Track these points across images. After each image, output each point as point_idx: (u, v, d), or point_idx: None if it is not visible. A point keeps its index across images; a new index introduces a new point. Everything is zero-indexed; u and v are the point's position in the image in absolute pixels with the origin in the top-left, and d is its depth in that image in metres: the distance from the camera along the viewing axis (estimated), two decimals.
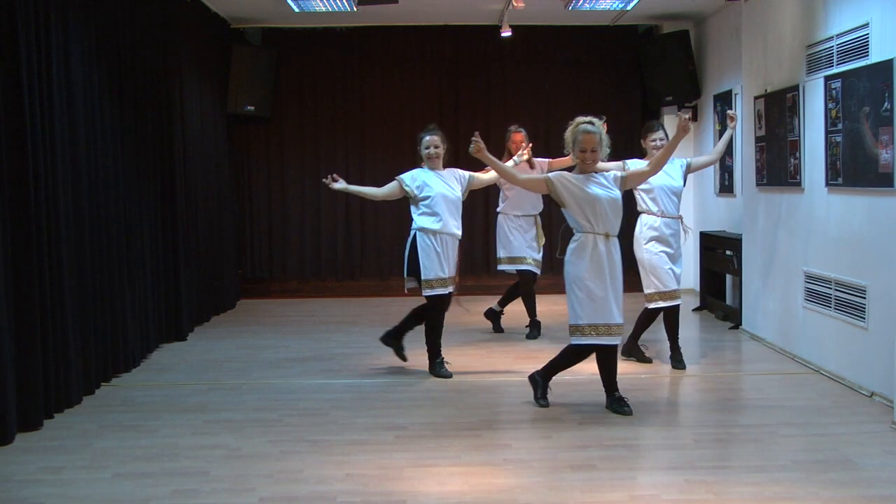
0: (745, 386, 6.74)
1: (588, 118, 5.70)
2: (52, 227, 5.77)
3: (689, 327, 9.08)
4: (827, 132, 6.65)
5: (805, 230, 7.11)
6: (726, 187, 9.99)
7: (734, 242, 8.91)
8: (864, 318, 6.17)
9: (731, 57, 9.61)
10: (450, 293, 6.80)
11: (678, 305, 7.01)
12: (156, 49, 8.01)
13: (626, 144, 10.67)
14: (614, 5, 9.68)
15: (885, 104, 5.76)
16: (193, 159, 9.05)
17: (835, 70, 6.53)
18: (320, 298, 10.99)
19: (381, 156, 11.24)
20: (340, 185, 6.68)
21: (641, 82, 11.36)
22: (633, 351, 7.24)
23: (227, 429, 5.52)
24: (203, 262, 9.29)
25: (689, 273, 11.15)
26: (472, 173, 6.92)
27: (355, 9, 9.30)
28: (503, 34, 9.96)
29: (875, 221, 6.03)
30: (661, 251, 6.90)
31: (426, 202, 6.68)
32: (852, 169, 6.26)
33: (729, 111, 7.36)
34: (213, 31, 10.18)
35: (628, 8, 9.80)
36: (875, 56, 5.97)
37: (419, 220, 6.72)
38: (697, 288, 10.42)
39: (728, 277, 9.57)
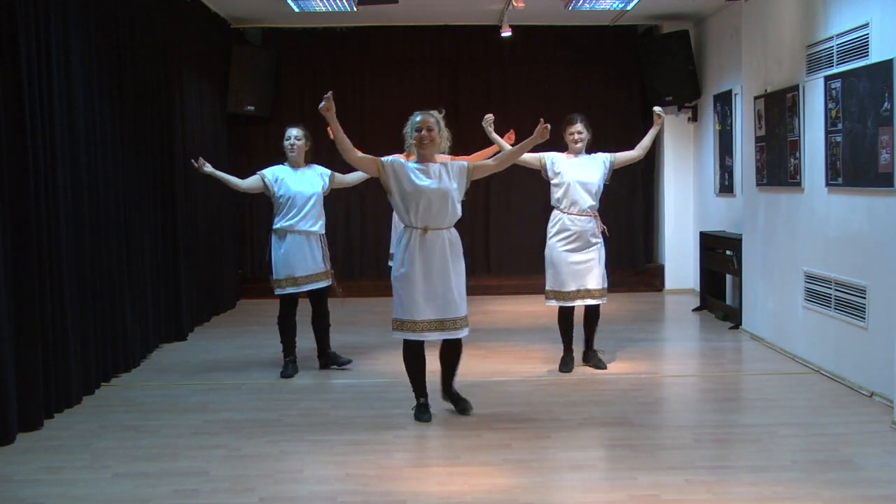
0: (745, 386, 6.73)
1: (426, 111, 5.67)
2: (52, 227, 5.77)
3: (689, 327, 9.09)
4: (827, 132, 6.65)
5: (805, 230, 7.11)
6: (726, 187, 9.99)
7: (734, 242, 8.91)
8: (864, 318, 6.17)
9: (731, 57, 9.61)
10: (321, 288, 7.02)
11: (595, 307, 6.87)
12: (156, 49, 8.01)
13: (626, 144, 10.70)
14: (614, 5, 9.68)
15: (885, 104, 5.76)
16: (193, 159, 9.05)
17: (835, 70, 6.53)
18: None
19: (381, 155, 11.21)
20: (208, 168, 6.79)
21: (641, 82, 11.36)
22: (591, 358, 7.06)
23: (227, 429, 5.52)
24: (203, 262, 9.29)
25: (689, 273, 11.18)
26: (332, 172, 6.95)
27: (355, 9, 9.30)
28: (503, 34, 9.96)
29: (875, 221, 6.03)
30: (566, 249, 6.71)
31: (280, 199, 6.80)
32: (852, 169, 6.26)
33: (656, 108, 7.02)
34: (213, 31, 10.19)
35: (628, 8, 9.80)
36: (875, 56, 5.97)
37: (274, 221, 6.87)
38: (697, 288, 10.42)
39: (728, 277, 9.57)
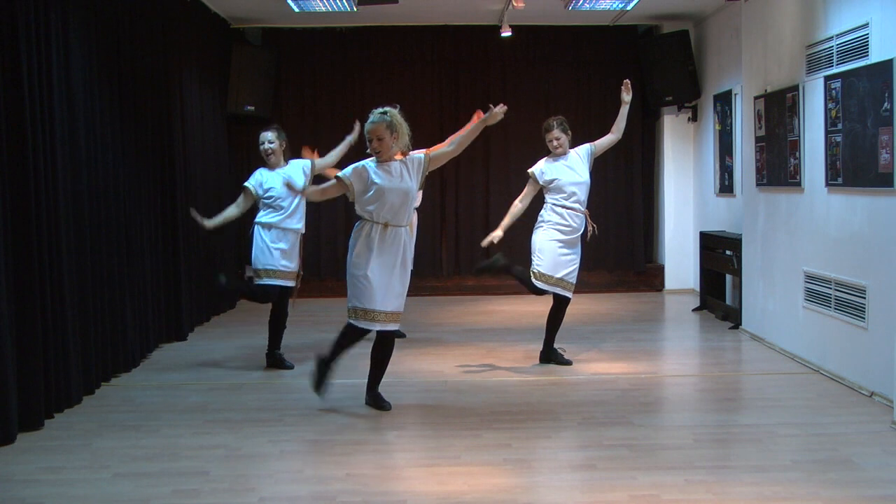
0: (745, 386, 6.74)
1: (382, 108, 5.78)
2: (52, 226, 5.77)
3: (689, 327, 9.09)
4: (827, 132, 6.65)
5: (805, 230, 7.11)
6: (726, 187, 10.00)
7: (734, 242, 8.91)
8: (864, 318, 6.17)
9: (731, 57, 9.61)
10: (289, 287, 7.07)
11: (566, 299, 6.97)
12: (156, 49, 8.01)
13: (626, 144, 10.68)
14: (614, 5, 9.69)
15: (885, 104, 5.76)
16: (193, 159, 9.05)
17: (835, 70, 6.53)
18: (320, 298, 10.98)
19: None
20: (210, 223, 7.06)
21: (641, 82, 11.34)
22: (551, 355, 7.15)
23: (227, 429, 5.52)
24: (203, 262, 9.29)
25: (689, 273, 11.18)
26: (312, 161, 7.02)
27: (355, 9, 9.30)
28: (503, 34, 9.96)
29: (875, 221, 6.03)
30: (556, 240, 6.90)
31: (268, 199, 6.93)
32: (852, 169, 6.27)
33: (626, 80, 7.02)
34: (213, 31, 10.18)
35: (628, 8, 9.80)
36: (875, 56, 5.97)
37: (259, 215, 7.02)
38: (697, 288, 10.42)
39: (728, 277, 9.57)
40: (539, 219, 7.05)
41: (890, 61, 5.72)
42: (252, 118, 10.94)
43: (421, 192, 5.88)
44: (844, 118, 6.35)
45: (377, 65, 11.46)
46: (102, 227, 6.61)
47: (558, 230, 6.92)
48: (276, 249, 6.95)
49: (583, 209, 6.96)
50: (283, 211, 6.92)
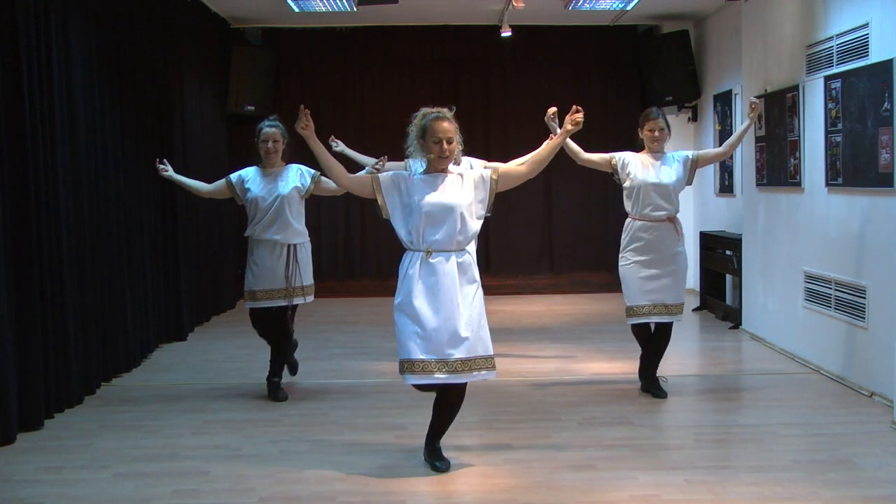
0: (745, 386, 6.73)
1: (436, 109, 4.79)
2: (52, 226, 5.77)
3: (689, 327, 9.08)
4: (827, 132, 6.65)
5: (805, 230, 7.11)
6: (726, 187, 10.00)
7: (734, 242, 8.91)
8: (864, 318, 6.17)
9: (731, 57, 9.61)
10: (280, 306, 6.17)
11: (668, 324, 6.13)
12: (156, 49, 8.01)
13: (627, 145, 10.65)
14: (614, 5, 9.69)
15: (885, 104, 5.76)
16: (193, 159, 9.05)
17: (835, 70, 6.53)
18: (320, 298, 10.92)
19: (382, 156, 11.21)
20: (169, 172, 6.15)
21: (641, 82, 11.36)
22: (651, 385, 6.25)
23: (227, 429, 5.52)
24: (203, 262, 9.29)
25: (689, 273, 11.15)
26: (319, 175, 5.97)
27: (355, 9, 9.31)
28: (503, 34, 9.96)
29: (875, 221, 6.03)
30: (635, 261, 6.05)
31: (246, 206, 6.10)
32: (852, 169, 6.27)
33: (752, 98, 6.26)
34: (213, 31, 10.19)
35: (628, 8, 9.80)
36: (875, 56, 5.97)
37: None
38: (697, 288, 10.42)
39: (728, 277, 9.57)
40: (621, 242, 6.20)
41: (890, 61, 5.72)
42: (252, 118, 10.92)
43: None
44: (844, 118, 6.35)
45: (377, 65, 11.46)
46: (102, 227, 6.61)
47: (633, 251, 6.06)
48: (254, 267, 6.11)
49: (665, 218, 6.05)
50: (259, 219, 6.04)
